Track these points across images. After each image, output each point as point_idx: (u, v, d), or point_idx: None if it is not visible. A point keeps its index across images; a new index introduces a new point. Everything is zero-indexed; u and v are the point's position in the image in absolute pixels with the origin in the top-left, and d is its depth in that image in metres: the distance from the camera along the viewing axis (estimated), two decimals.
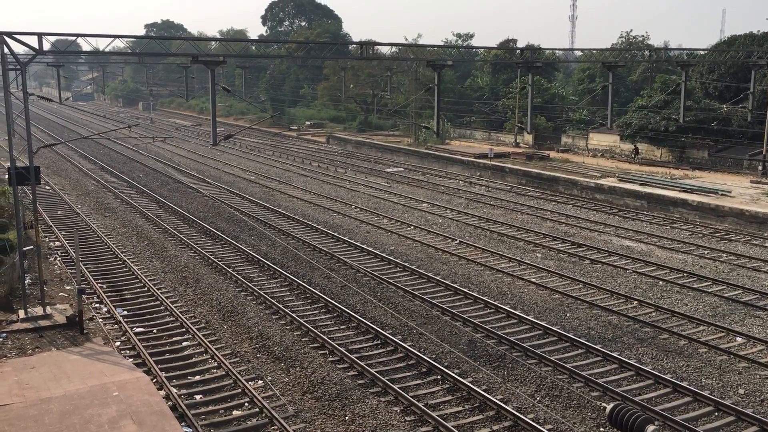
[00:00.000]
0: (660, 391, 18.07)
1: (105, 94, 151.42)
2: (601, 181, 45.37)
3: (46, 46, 23.91)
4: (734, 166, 50.71)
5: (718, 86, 61.16)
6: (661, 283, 27.08)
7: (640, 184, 43.74)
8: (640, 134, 56.15)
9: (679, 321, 23.02)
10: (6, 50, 21.81)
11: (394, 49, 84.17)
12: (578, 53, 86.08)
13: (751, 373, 19.16)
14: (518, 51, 55.32)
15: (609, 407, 12.64)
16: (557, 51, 79.20)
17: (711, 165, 52.04)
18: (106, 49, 30.17)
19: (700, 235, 35.08)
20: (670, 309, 23.86)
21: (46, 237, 33.74)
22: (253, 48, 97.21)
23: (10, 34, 21.90)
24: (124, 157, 64.88)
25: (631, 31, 77.25)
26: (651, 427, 11.61)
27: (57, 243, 33.21)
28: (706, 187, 41.95)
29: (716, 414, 16.99)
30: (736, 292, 25.84)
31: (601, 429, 16.23)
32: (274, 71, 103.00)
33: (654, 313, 23.71)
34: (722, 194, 40.21)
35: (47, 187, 46.95)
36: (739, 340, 21.49)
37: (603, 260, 30.11)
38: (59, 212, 39.85)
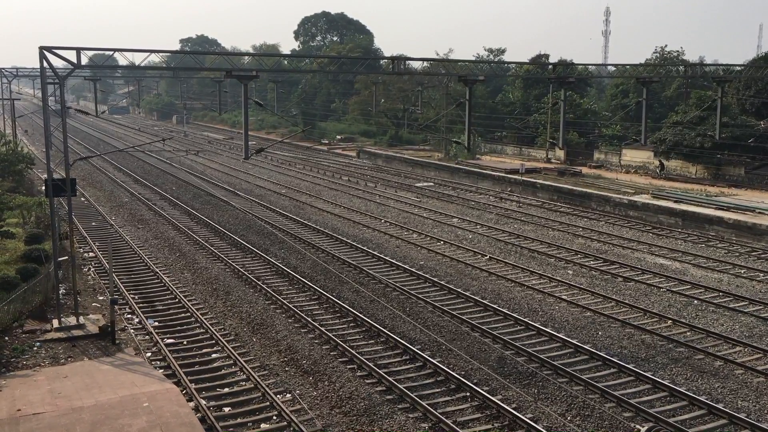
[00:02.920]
0: (694, 413, 17.67)
1: (140, 108, 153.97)
2: (635, 198, 44.76)
3: (84, 61, 24.41)
4: None
5: (755, 102, 60.07)
6: (696, 302, 26.56)
7: (675, 201, 43.06)
8: (675, 150, 55.35)
9: (714, 341, 22.52)
10: (45, 64, 22.32)
11: (425, 63, 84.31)
12: (611, 68, 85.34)
13: None
14: (550, 66, 55.04)
15: (643, 429, 12.36)
16: (590, 66, 78.54)
17: (748, 182, 51.03)
18: (142, 64, 30.74)
19: (737, 254, 34.36)
20: (705, 329, 23.37)
21: (80, 248, 34.27)
22: (286, 62, 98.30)
23: (49, 49, 22.40)
24: (158, 169, 65.79)
25: (666, 46, 76.24)
26: None
27: (91, 254, 33.72)
28: (743, 204, 41.13)
29: None
30: None
31: None
32: (306, 85, 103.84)
33: (689, 333, 23.24)
34: (759, 212, 39.37)
35: (82, 199, 47.78)
36: None
37: (636, 278, 29.63)
38: (94, 223, 40.49)
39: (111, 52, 28.48)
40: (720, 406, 17.86)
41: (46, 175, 23.57)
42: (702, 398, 18.23)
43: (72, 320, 23.36)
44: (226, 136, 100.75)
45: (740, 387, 19.19)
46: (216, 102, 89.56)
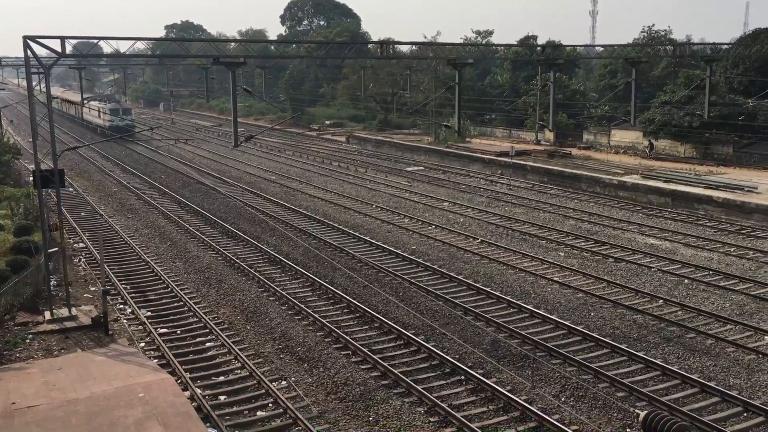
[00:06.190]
0: (687, 392, 17.83)
1: (126, 96, 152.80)
2: (624, 178, 44.90)
3: (68, 49, 24.16)
4: (760, 162, 49.89)
5: (742, 81, 60.23)
6: (686, 281, 26.74)
7: (664, 181, 43.23)
8: (664, 130, 55.48)
9: (705, 320, 22.69)
10: (29, 53, 22.05)
11: (413, 47, 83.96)
12: (599, 49, 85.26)
13: None
14: (539, 48, 54.97)
15: (642, 414, 12.43)
16: (578, 47, 78.49)
17: (736, 161, 51.26)
18: (127, 51, 30.47)
19: (726, 232, 34.58)
20: (696, 307, 23.55)
21: (70, 239, 34.08)
22: (273, 48, 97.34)
23: (33, 38, 22.14)
24: (146, 158, 65.39)
25: (653, 25, 76.13)
26: None
27: (81, 244, 33.54)
28: (732, 183, 41.34)
29: (745, 414, 16.72)
30: (764, 290, 25.42)
31: (628, 430, 16.04)
32: (294, 71, 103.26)
33: (680, 312, 23.40)
34: (748, 190, 39.59)
35: (71, 189, 47.43)
36: None
37: (627, 258, 29.79)
38: (83, 214, 40.25)
39: (96, 41, 28.20)
40: (712, 383, 18.03)
41: (33, 166, 23.36)
42: (694, 376, 18.38)
43: (64, 312, 23.26)
44: (214, 123, 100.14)
45: (732, 365, 19.37)
46: (203, 89, 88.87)
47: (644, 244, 32.40)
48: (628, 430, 16.03)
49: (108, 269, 27.80)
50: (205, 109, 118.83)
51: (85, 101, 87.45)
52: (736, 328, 21.97)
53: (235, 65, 30.87)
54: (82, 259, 30.87)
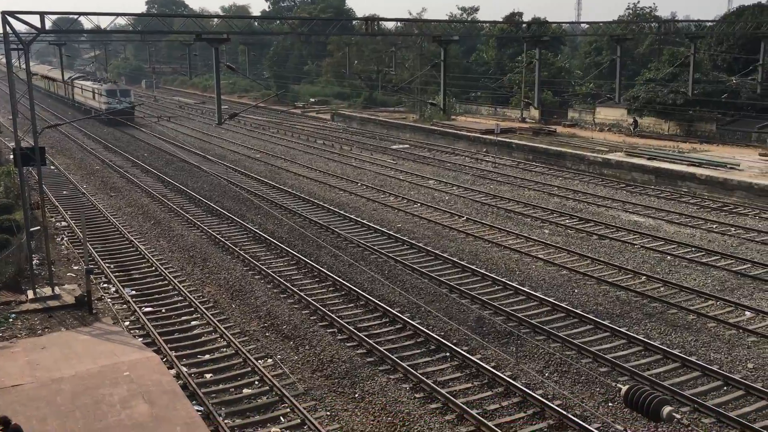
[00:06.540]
0: (668, 366, 18.06)
1: (107, 73, 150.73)
2: (609, 156, 45.08)
3: (48, 25, 23.77)
4: (743, 139, 50.28)
5: (726, 58, 60.50)
6: (669, 257, 27.00)
7: (648, 159, 43.45)
8: (648, 108, 55.68)
9: (687, 296, 22.95)
10: (8, 29, 21.68)
11: (398, 24, 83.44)
12: (585, 26, 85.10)
13: (760, 348, 19.11)
14: (524, 25, 54.79)
15: (624, 389, 12.58)
16: (563, 24, 78.29)
17: (719, 138, 51.58)
18: (108, 27, 30.02)
19: (709, 209, 34.90)
20: (678, 284, 23.79)
21: (52, 217, 33.78)
22: (256, 24, 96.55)
23: (11, 13, 21.76)
24: (128, 135, 64.69)
25: (639, 2, 76.09)
26: (667, 408, 11.57)
27: (63, 223, 33.26)
28: (715, 160, 41.63)
29: (725, 388, 16.98)
30: (745, 266, 25.73)
31: (610, 404, 16.26)
32: (278, 48, 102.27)
33: (662, 288, 23.65)
34: (731, 167, 39.92)
35: (52, 167, 46.91)
36: (748, 314, 21.42)
37: (611, 236, 30.00)
38: (65, 192, 39.87)
39: (76, 16, 27.77)
40: (693, 358, 18.28)
41: (13, 144, 23.06)
42: (675, 351, 18.63)
43: (47, 291, 23.11)
44: (197, 101, 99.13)
45: (712, 340, 19.63)
46: (186, 66, 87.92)
47: (628, 221, 32.64)
48: (610, 404, 16.27)
49: (91, 248, 27.62)
50: (188, 86, 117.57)
51: (76, 80, 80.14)
52: (718, 303, 22.24)
53: (218, 42, 30.56)
54: (65, 238, 30.63)
